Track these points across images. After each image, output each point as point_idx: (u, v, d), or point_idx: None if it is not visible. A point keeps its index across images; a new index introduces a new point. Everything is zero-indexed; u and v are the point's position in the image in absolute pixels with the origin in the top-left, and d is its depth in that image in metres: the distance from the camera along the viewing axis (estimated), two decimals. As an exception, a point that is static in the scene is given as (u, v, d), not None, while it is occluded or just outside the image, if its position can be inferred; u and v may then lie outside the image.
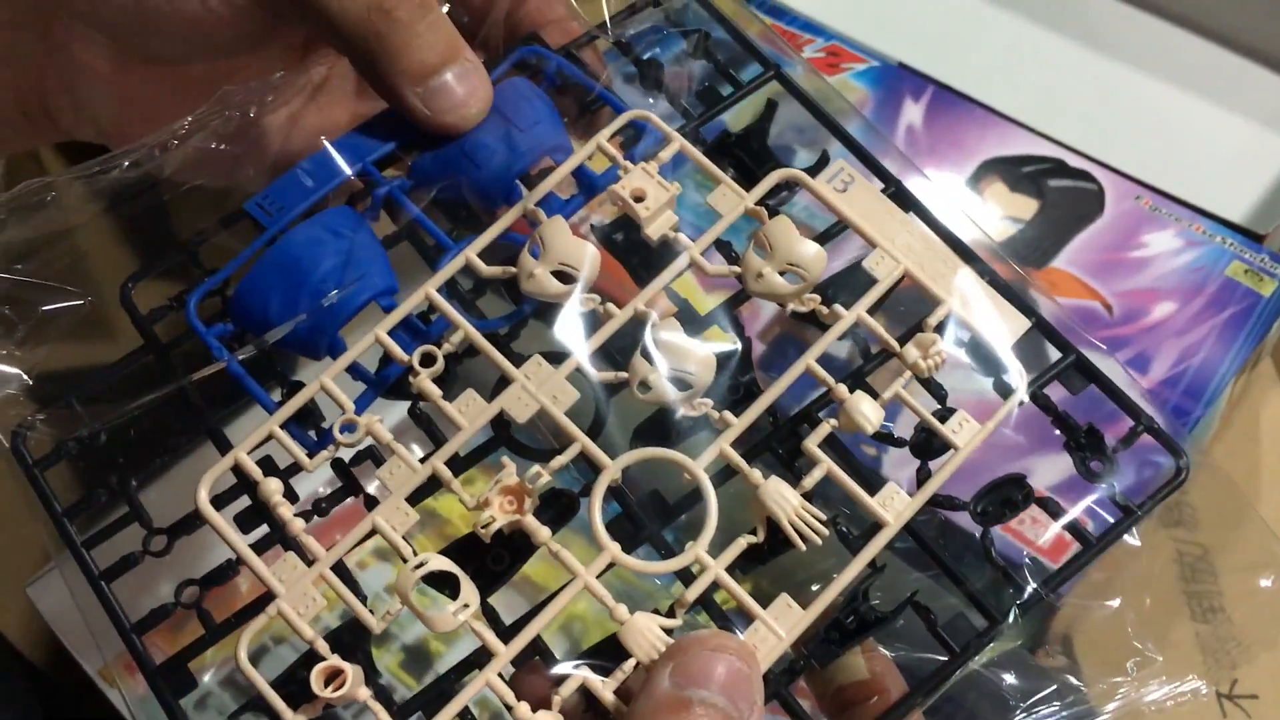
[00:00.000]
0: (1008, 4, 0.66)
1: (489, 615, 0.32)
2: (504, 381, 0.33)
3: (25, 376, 0.33)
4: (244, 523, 0.33)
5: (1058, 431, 0.33)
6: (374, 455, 0.34)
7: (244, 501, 0.33)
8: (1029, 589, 0.31)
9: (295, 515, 0.32)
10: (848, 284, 0.35)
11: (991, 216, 0.56)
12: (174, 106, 0.37)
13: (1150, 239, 0.55)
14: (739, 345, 0.34)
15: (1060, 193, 0.57)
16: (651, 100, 0.38)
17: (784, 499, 0.31)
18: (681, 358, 0.32)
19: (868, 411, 0.32)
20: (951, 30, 0.65)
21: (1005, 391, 0.33)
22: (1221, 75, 0.63)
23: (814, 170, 0.36)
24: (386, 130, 0.36)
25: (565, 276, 0.33)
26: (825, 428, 0.32)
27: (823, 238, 0.35)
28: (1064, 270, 0.54)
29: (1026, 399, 0.33)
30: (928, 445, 0.33)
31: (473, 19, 0.38)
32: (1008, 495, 0.32)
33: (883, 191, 0.36)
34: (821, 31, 0.62)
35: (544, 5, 0.40)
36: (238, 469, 0.32)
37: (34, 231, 0.34)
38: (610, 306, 0.33)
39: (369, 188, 0.36)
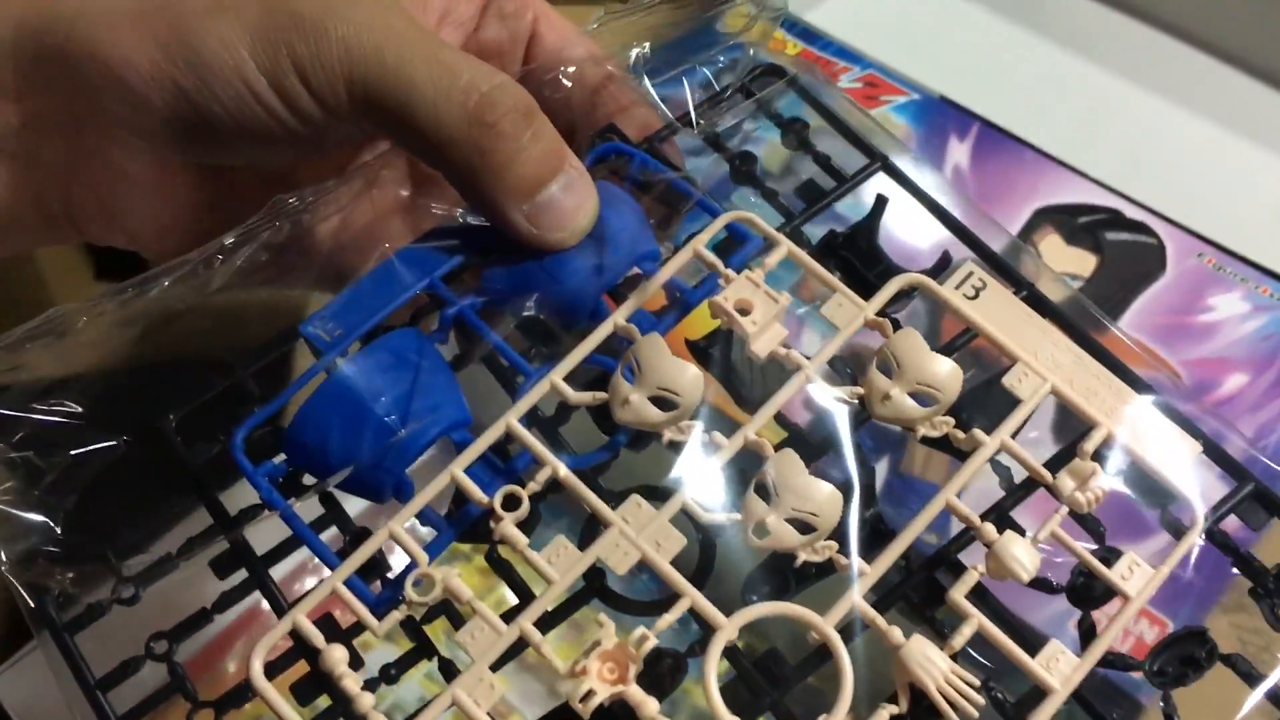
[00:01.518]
0: (1053, 35, 0.61)
1: (587, 804, 0.28)
2: (595, 520, 0.29)
3: (53, 525, 0.29)
4: (301, 693, 0.28)
5: (1237, 571, 0.29)
6: (449, 611, 0.30)
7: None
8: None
9: (362, 689, 0.27)
10: (984, 404, 0.30)
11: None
12: (217, 212, 0.33)
13: (1216, 301, 0.50)
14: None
15: (1119, 247, 0.52)
16: (753, 200, 0.34)
17: (930, 662, 0.27)
18: (802, 496, 0.28)
19: (1021, 555, 0.28)
20: (996, 62, 0.61)
21: (1176, 529, 0.29)
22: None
23: (934, 273, 0.32)
24: (454, 240, 0.32)
25: (665, 403, 0.29)
26: (972, 575, 0.28)
27: (947, 349, 0.31)
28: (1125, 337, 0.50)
29: (1202, 539, 0.28)
30: (1087, 591, 0.29)
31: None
32: (1189, 652, 0.28)
33: (1015, 295, 0.32)
34: (858, 59, 0.58)
35: (616, 92, 0.36)
36: (295, 632, 0.28)
37: (61, 362, 0.30)
38: (717, 435, 0.29)
39: (435, 305, 0.32)
